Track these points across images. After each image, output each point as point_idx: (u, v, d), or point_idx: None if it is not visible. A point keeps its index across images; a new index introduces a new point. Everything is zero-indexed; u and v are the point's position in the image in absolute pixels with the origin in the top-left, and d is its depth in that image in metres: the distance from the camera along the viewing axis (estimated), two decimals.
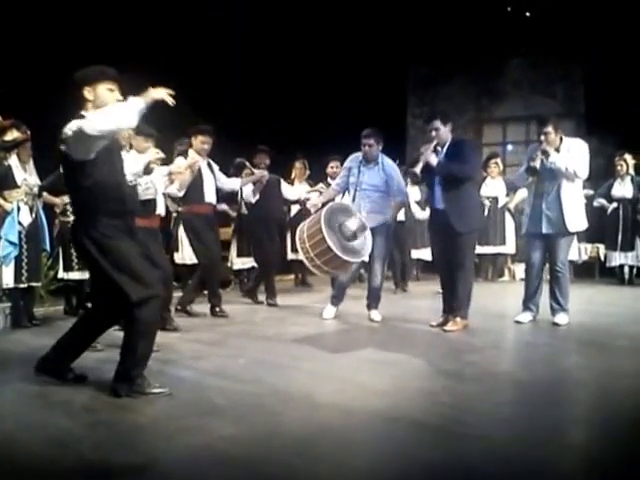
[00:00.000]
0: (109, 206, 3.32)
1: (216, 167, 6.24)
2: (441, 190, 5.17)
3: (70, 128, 3.18)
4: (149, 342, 3.42)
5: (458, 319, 5.20)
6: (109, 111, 3.18)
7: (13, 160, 5.31)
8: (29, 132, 5.14)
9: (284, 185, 7.49)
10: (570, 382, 3.74)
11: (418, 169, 5.08)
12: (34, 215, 5.46)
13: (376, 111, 7.61)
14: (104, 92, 3.33)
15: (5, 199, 5.40)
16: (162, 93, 3.17)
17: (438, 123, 5.17)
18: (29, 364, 3.78)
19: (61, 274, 5.81)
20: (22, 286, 5.41)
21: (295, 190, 7.74)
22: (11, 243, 5.28)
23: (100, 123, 3.12)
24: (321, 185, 7.92)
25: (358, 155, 5.75)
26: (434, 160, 5.08)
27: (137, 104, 3.14)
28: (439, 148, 5.19)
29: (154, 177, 4.63)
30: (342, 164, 7.79)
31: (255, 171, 6.80)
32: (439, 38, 10.13)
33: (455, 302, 5.24)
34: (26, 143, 5.31)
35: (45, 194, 5.70)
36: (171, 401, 3.28)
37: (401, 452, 2.63)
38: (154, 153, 4.13)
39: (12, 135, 5.31)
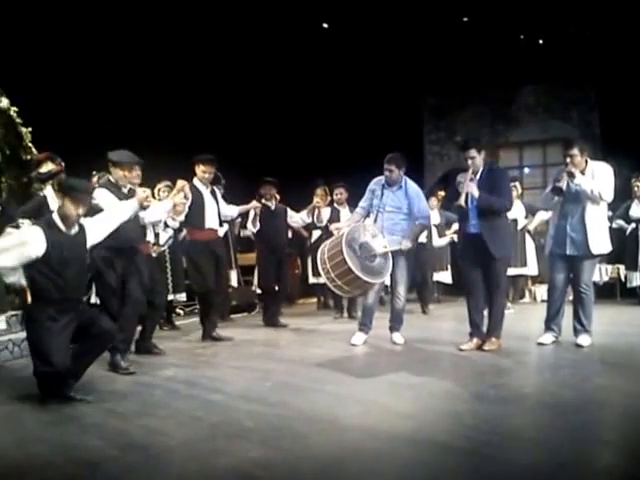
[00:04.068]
0: (46, 294, 3.80)
1: (219, 194, 6.42)
2: (477, 216, 5.23)
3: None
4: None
5: (493, 339, 5.29)
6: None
7: (48, 191, 5.49)
8: (63, 164, 5.32)
9: (290, 213, 7.72)
10: (595, 403, 3.71)
11: (462, 201, 5.16)
12: None
13: (393, 139, 7.75)
14: (68, 204, 3.85)
15: None
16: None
17: (474, 152, 5.25)
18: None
19: (93, 299, 5.94)
20: None
21: (297, 216, 7.92)
22: None
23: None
24: (317, 201, 8.11)
25: (381, 178, 5.79)
26: (476, 192, 5.14)
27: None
28: (472, 175, 5.25)
29: (159, 211, 5.06)
30: (346, 190, 8.09)
31: (255, 203, 7.06)
32: (455, 66, 10.25)
33: (490, 323, 5.34)
34: (60, 174, 5.49)
35: None
36: (201, 424, 3.37)
37: (426, 474, 2.66)
38: (141, 192, 4.51)
39: (47, 167, 5.53)
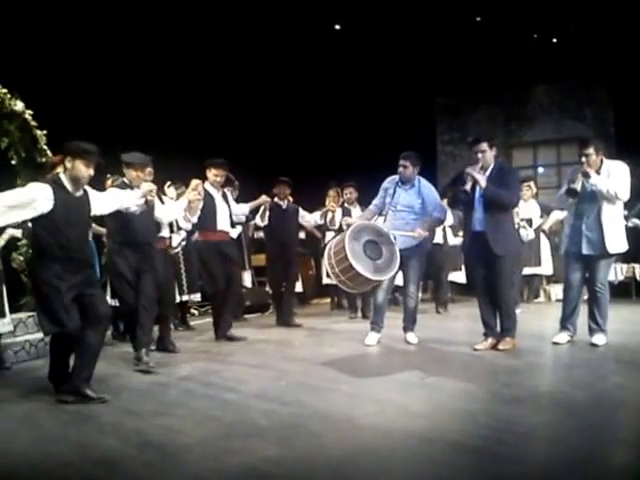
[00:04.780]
0: (50, 250, 3.89)
1: (230, 197, 6.61)
2: (482, 213, 5.19)
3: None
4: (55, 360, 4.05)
5: (508, 338, 5.26)
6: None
7: None
8: None
9: (302, 213, 7.78)
10: (609, 402, 3.70)
11: (468, 187, 5.12)
12: None
13: (406, 139, 7.75)
14: (80, 166, 3.95)
15: None
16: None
17: (485, 145, 5.22)
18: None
19: (109, 301, 6.00)
20: None
21: (309, 216, 8.00)
22: None
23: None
24: (332, 205, 8.13)
25: (395, 177, 5.79)
26: (484, 182, 5.11)
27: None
28: (481, 171, 5.21)
29: (175, 209, 5.32)
30: (356, 190, 8.13)
31: (264, 197, 7.10)
32: (468, 65, 10.22)
33: (502, 323, 5.31)
34: None
35: (94, 225, 5.95)
36: (217, 423, 3.40)
37: (440, 473, 2.66)
38: (146, 186, 4.61)
39: (62, 169, 5.58)
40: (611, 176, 5.17)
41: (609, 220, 5.22)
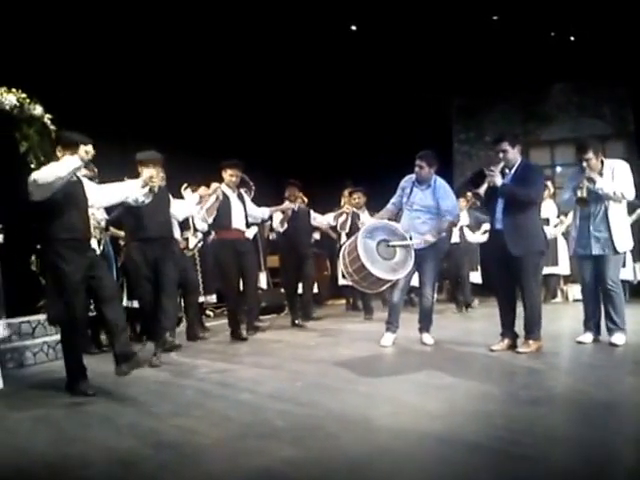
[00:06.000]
0: (61, 234, 4.05)
1: (247, 198, 6.75)
2: (502, 211, 5.13)
3: (30, 178, 4.04)
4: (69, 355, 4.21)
5: (531, 341, 5.12)
6: (50, 166, 4.06)
7: None
8: (96, 170, 5.43)
9: (313, 215, 7.86)
10: (628, 403, 3.66)
11: (482, 190, 5.09)
12: (102, 247, 5.79)
13: (422, 139, 7.74)
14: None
15: None
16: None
17: (506, 145, 5.14)
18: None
19: (125, 302, 6.07)
20: (91, 315, 5.66)
21: (324, 217, 8.05)
22: None
23: (43, 176, 3.97)
24: (347, 207, 8.15)
25: (412, 176, 5.75)
26: (499, 181, 5.06)
27: (74, 163, 4.00)
28: (507, 170, 5.16)
29: (188, 205, 5.59)
30: (364, 194, 8.14)
31: (288, 204, 7.28)
32: (484, 64, 10.17)
33: (524, 325, 5.20)
34: (94, 180, 5.61)
35: (111, 228, 6.02)
36: (233, 423, 3.41)
37: (456, 474, 2.65)
38: (146, 172, 4.67)
39: (80, 173, 5.63)
40: (615, 177, 5.16)
41: (616, 219, 5.22)
